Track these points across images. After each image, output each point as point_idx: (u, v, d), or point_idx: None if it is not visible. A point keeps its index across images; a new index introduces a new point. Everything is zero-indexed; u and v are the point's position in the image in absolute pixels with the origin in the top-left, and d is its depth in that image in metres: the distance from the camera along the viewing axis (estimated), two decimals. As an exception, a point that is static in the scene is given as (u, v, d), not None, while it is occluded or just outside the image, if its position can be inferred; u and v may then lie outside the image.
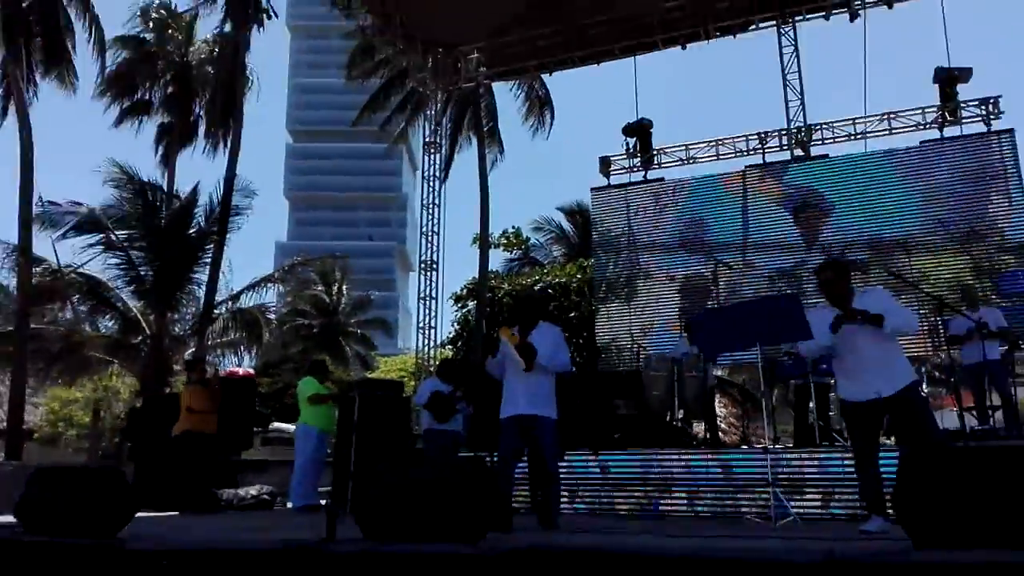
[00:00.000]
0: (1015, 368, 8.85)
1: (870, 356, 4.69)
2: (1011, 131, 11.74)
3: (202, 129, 22.54)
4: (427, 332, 13.62)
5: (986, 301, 9.90)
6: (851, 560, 3.04)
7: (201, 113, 22.56)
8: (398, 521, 3.73)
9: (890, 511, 4.43)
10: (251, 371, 13.03)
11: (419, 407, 8.70)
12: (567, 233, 25.67)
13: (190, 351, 17.79)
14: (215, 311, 19.91)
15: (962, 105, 12.11)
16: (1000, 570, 2.73)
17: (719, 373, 21.90)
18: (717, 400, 21.11)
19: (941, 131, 12.29)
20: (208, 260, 18.88)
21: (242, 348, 22.31)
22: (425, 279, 13.97)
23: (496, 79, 16.45)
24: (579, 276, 20.79)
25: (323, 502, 8.60)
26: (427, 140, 14.75)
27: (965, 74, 12.03)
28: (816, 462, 6.69)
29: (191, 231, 18.96)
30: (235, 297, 21.01)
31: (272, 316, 24.41)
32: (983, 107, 11.99)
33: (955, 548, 3.21)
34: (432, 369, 12.45)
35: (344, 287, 36.35)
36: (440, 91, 15.23)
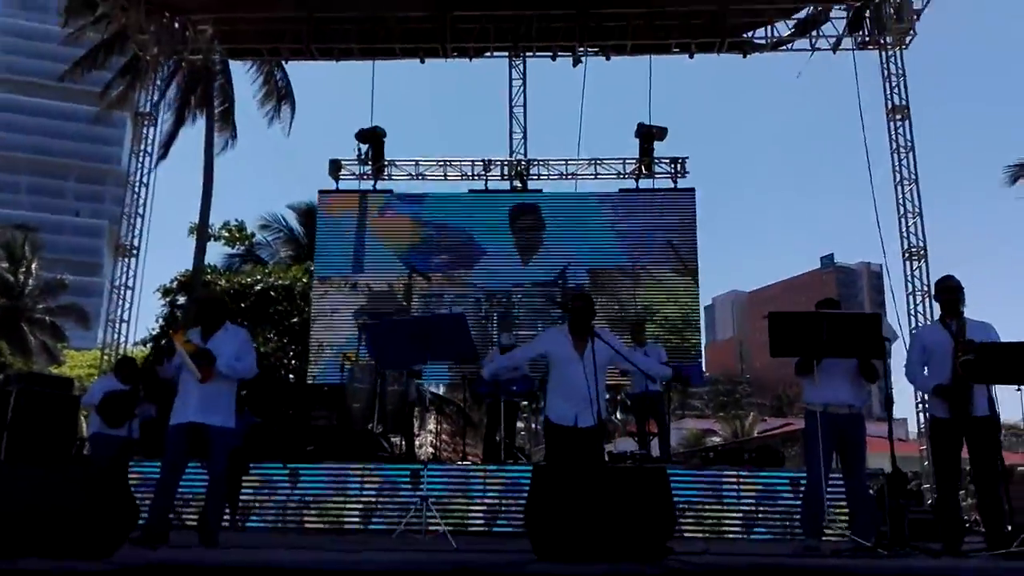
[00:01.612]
0: (671, 401, 10.03)
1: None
2: (692, 190, 13.52)
3: None
4: (117, 326, 12.39)
5: (653, 338, 11.14)
6: (478, 569, 3.27)
7: None
8: (19, 535, 3.35)
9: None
10: None
11: (89, 408, 7.88)
12: (297, 234, 24.72)
13: None
14: None
15: (656, 161, 13.69)
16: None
17: (438, 391, 22.54)
18: (433, 417, 21.55)
19: (637, 181, 13.81)
20: None
21: None
22: (123, 265, 12.74)
23: (229, 56, 15.63)
24: (304, 280, 20.21)
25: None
26: (141, 111, 13.57)
27: (661, 132, 13.60)
28: (480, 477, 7.17)
29: None
30: None
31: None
32: (672, 165, 13.66)
33: (574, 561, 3.59)
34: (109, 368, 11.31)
35: (34, 266, 31.97)
36: (163, 59, 14.12)
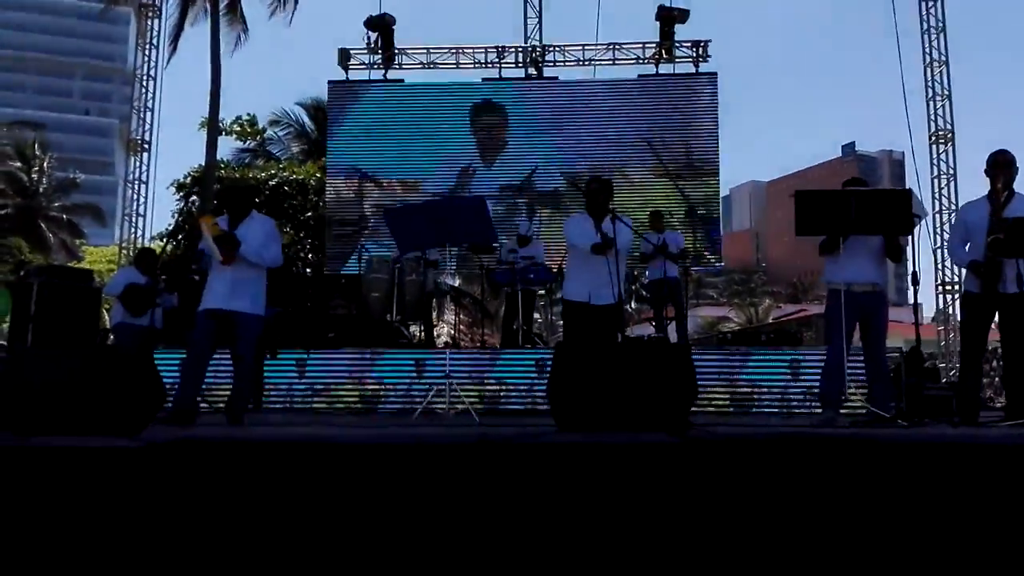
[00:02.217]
0: (689, 286, 10.04)
1: None
2: (714, 74, 13.07)
3: None
4: (133, 220, 12.42)
5: (670, 225, 11.05)
6: (500, 441, 3.33)
7: None
8: (48, 416, 3.42)
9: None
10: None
11: (111, 298, 7.98)
12: (307, 129, 24.33)
13: None
14: None
15: (677, 45, 13.18)
16: (620, 448, 3.14)
17: (455, 283, 22.72)
18: (450, 307, 21.77)
19: (657, 67, 13.33)
20: None
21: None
22: (136, 160, 12.66)
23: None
24: (318, 175, 20.03)
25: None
26: (145, 2, 13.14)
27: (683, 15, 13.06)
28: (491, 361, 7.27)
29: None
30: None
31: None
32: (694, 48, 13.14)
33: (591, 431, 3.65)
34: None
35: (46, 165, 31.84)
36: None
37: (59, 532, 2.47)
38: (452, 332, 19.04)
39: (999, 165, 4.83)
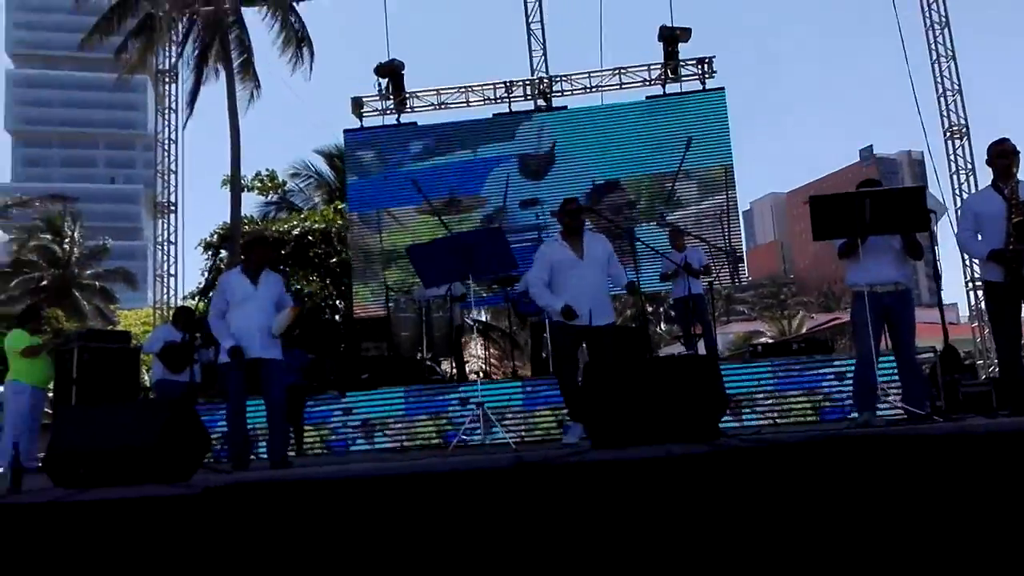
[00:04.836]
0: (716, 302, 10.05)
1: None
2: (722, 89, 13.17)
3: None
4: (166, 280, 12.74)
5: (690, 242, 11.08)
6: (536, 463, 3.39)
7: None
8: (89, 471, 3.54)
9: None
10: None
11: (150, 356, 8.20)
12: (327, 179, 24.77)
13: None
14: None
15: (682, 64, 13.32)
16: (654, 462, 3.19)
17: (483, 318, 22.79)
18: (479, 342, 21.76)
19: (663, 87, 13.48)
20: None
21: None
22: (163, 223, 13.02)
23: (243, 4, 15.45)
24: (340, 221, 20.36)
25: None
26: (161, 68, 13.59)
27: (685, 34, 13.20)
28: (520, 392, 7.36)
29: None
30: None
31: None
32: (699, 66, 13.27)
33: (625, 447, 3.70)
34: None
35: (76, 234, 32.67)
36: (177, 15, 14.05)
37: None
38: (483, 366, 19.08)
39: (1006, 154, 4.85)
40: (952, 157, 12.47)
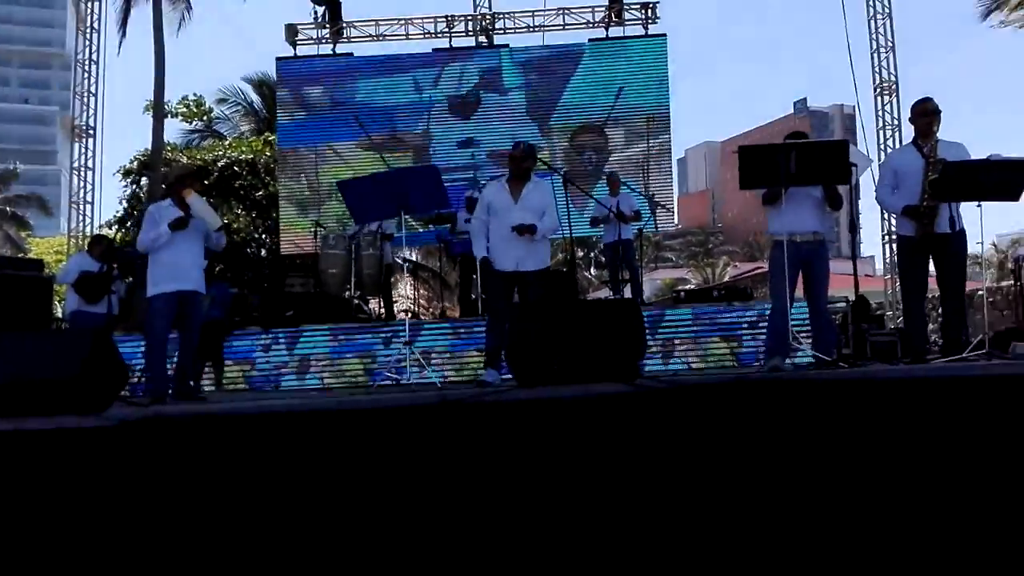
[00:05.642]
0: (645, 248, 10.21)
1: None
2: (663, 36, 13.14)
3: None
4: (81, 207, 12.18)
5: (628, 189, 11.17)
6: (459, 400, 3.44)
7: None
8: (11, 400, 3.44)
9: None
10: None
11: (64, 286, 7.89)
12: (256, 107, 23.88)
13: None
14: None
15: (626, 7, 13.21)
16: (574, 402, 3.27)
17: (413, 257, 22.59)
18: (409, 281, 21.60)
19: (607, 30, 13.37)
20: None
21: None
22: (80, 147, 12.37)
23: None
24: (268, 153, 19.73)
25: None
26: (79, -18, 12.77)
27: (631, -24, 13.06)
28: (448, 332, 7.40)
29: None
30: None
31: None
32: (643, 11, 13.18)
33: (547, 385, 3.78)
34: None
35: (-15, 156, 30.88)
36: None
37: (36, 513, 2.51)
38: (412, 306, 19.04)
39: (927, 113, 5.03)
40: (880, 113, 12.82)
